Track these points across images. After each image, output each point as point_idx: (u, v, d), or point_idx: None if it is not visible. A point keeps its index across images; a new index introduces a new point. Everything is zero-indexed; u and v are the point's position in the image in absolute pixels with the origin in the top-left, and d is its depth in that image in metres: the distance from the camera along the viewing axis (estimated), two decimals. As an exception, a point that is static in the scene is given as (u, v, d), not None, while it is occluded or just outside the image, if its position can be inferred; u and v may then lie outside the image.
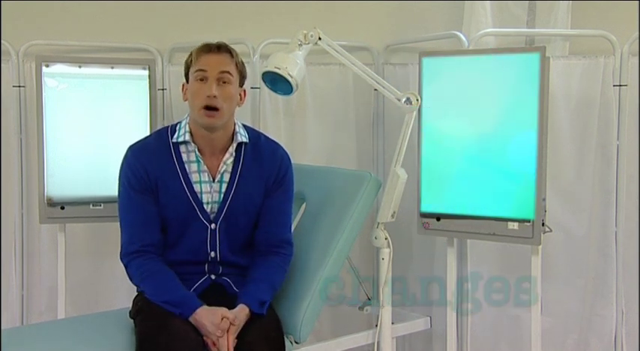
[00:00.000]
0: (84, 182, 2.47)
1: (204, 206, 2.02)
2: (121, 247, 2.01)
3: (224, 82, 1.99)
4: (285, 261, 2.07)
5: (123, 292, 2.72)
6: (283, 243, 2.08)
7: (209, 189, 2.02)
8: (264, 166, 2.07)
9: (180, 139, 2.01)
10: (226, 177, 2.04)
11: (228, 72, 1.99)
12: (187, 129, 2.02)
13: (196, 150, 2.01)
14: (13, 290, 2.76)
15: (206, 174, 2.02)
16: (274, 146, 2.13)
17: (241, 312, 1.90)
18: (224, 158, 2.03)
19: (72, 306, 2.77)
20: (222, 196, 2.03)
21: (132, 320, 2.03)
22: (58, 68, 2.45)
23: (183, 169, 2.01)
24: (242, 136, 2.06)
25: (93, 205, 2.48)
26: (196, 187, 2.02)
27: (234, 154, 2.04)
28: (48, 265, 2.77)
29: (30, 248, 2.79)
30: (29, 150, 2.73)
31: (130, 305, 2.07)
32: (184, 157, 2.02)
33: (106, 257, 2.81)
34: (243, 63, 2.07)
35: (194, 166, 2.02)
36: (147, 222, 2.00)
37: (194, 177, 2.02)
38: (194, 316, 1.87)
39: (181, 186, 2.00)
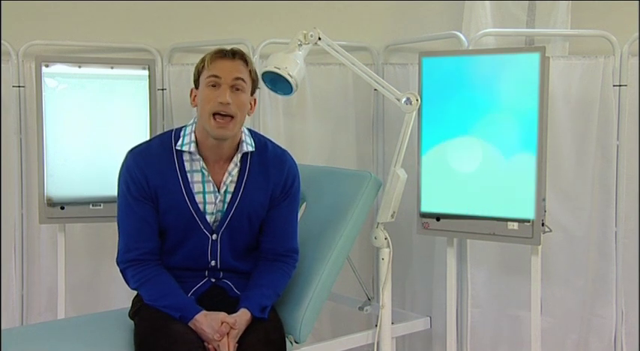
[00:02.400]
0: (83, 182, 2.47)
1: (207, 217, 1.97)
2: (118, 251, 1.98)
3: (237, 89, 1.92)
4: (290, 268, 2.06)
5: (122, 292, 2.71)
6: (290, 252, 2.06)
7: (213, 199, 1.97)
8: (270, 176, 2.02)
9: (185, 149, 1.95)
10: (231, 187, 1.99)
11: (242, 79, 1.92)
12: (193, 138, 1.95)
13: (201, 160, 1.96)
14: (13, 290, 2.76)
15: (211, 184, 1.97)
16: (281, 154, 2.07)
17: (242, 316, 1.88)
18: (229, 168, 1.97)
19: (71, 306, 2.77)
20: (226, 206, 1.99)
21: (131, 320, 2.02)
22: (57, 68, 2.45)
23: (185, 178, 1.96)
24: (248, 146, 1.99)
25: (92, 205, 2.48)
26: (198, 198, 1.96)
27: (239, 164, 1.99)
28: (48, 265, 2.77)
29: (30, 248, 2.79)
30: (29, 150, 2.73)
31: (130, 305, 2.07)
32: (187, 165, 1.96)
33: (105, 257, 2.81)
34: (256, 71, 2.00)
35: (197, 176, 1.96)
36: (144, 230, 1.95)
37: (197, 187, 1.96)
38: (193, 322, 1.85)
39: (182, 196, 1.95)
